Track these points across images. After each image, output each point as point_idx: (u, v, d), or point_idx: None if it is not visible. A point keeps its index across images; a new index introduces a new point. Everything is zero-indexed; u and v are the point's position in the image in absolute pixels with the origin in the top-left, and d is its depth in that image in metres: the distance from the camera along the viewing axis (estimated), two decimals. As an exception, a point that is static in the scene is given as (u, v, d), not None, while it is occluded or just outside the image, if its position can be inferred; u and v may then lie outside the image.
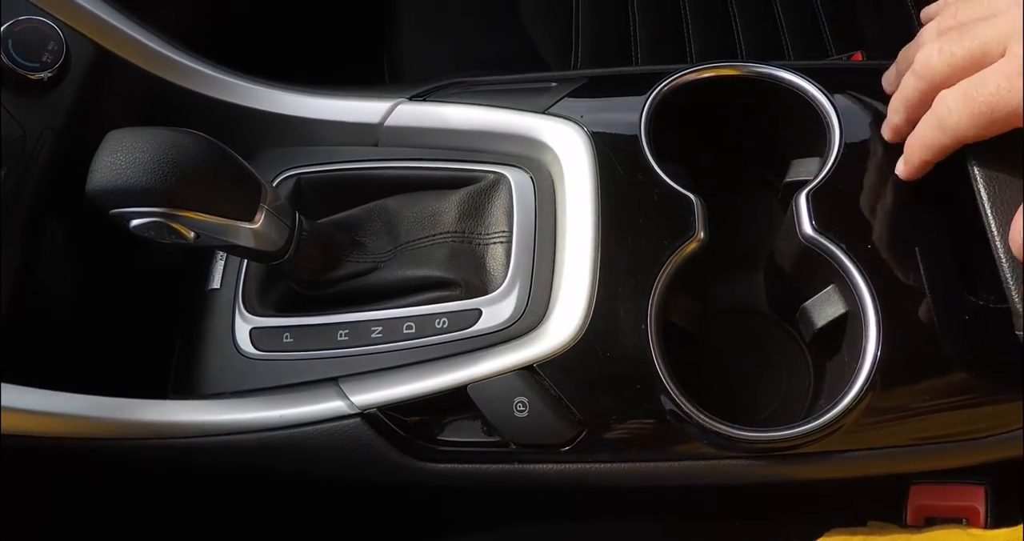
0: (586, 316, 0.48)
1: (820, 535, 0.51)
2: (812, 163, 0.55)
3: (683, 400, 0.46)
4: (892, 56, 0.55)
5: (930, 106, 0.46)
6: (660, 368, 0.47)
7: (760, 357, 0.56)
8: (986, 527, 0.54)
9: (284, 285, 0.55)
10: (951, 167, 0.53)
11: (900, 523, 0.55)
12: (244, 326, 0.53)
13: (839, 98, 0.55)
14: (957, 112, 0.44)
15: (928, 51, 0.46)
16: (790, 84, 0.55)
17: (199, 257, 0.57)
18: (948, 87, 0.45)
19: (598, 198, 0.51)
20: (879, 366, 0.47)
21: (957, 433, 0.49)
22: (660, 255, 0.50)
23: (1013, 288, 0.45)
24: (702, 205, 0.51)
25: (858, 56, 0.70)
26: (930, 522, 0.54)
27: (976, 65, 0.44)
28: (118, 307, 0.56)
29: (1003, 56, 0.43)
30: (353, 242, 0.54)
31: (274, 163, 0.58)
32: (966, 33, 0.45)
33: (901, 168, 0.51)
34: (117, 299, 0.57)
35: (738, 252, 0.58)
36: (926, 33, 0.49)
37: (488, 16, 0.78)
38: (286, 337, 0.52)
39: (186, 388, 0.53)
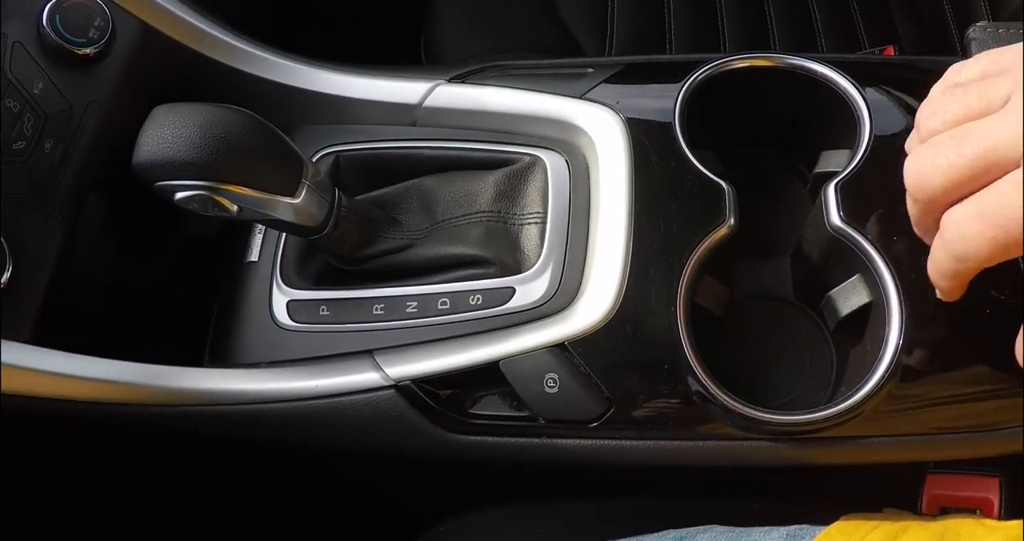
0: (617, 297, 0.50)
1: (835, 518, 0.52)
2: (842, 155, 0.56)
3: (709, 381, 0.48)
4: (925, 51, 0.56)
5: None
6: (688, 350, 0.48)
7: (784, 343, 0.58)
8: (1000, 518, 0.55)
9: (321, 259, 0.56)
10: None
11: (915, 511, 0.56)
12: (281, 298, 0.54)
13: (870, 92, 0.56)
14: (974, 240, 0.36)
15: (919, 160, 0.38)
16: (822, 77, 0.56)
17: (237, 230, 0.58)
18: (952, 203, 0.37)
19: (632, 182, 0.52)
20: (901, 355, 0.48)
21: (975, 424, 0.50)
22: (691, 239, 0.51)
23: None
24: (733, 192, 0.52)
25: (890, 50, 0.70)
26: (944, 511, 0.56)
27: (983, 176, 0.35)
28: (156, 279, 0.58)
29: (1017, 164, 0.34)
30: (390, 219, 0.56)
31: (313, 140, 0.59)
32: (966, 137, 0.36)
33: (938, 293, 0.43)
34: (155, 271, 0.59)
35: (766, 240, 0.59)
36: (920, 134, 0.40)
37: (525, 4, 0.78)
38: (322, 310, 0.53)
39: (222, 358, 0.55)
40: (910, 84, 0.56)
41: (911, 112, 0.55)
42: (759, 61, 0.56)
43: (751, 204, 0.56)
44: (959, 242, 0.36)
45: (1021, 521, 0.50)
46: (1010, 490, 0.55)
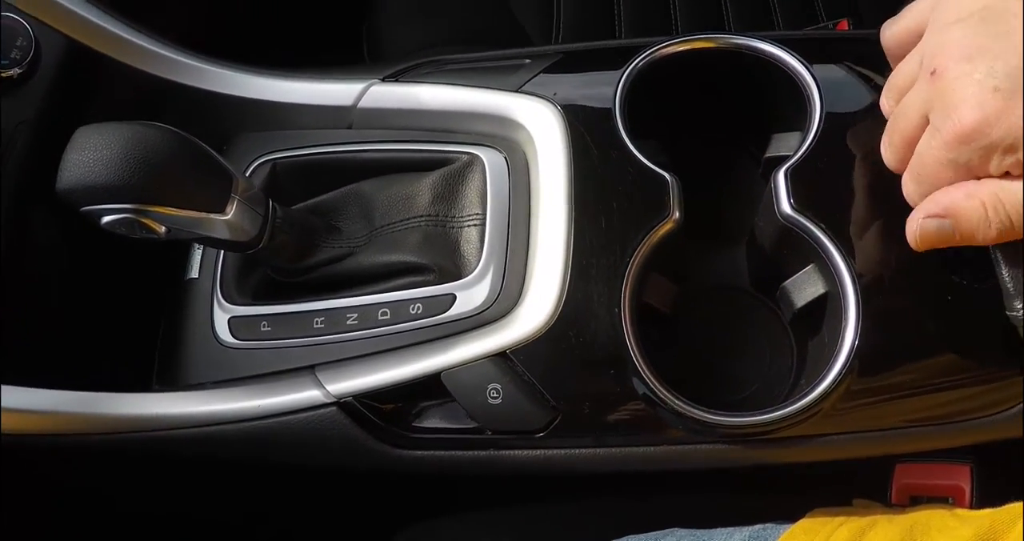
0: (559, 300, 0.48)
1: (803, 513, 0.51)
2: (794, 138, 0.53)
3: (657, 384, 0.46)
4: (882, 22, 0.53)
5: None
6: (634, 352, 0.46)
7: (743, 335, 0.56)
8: (971, 506, 0.53)
9: (262, 272, 0.55)
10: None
11: (885, 501, 0.54)
12: (223, 315, 0.53)
13: (820, 70, 0.53)
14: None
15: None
16: (769, 55, 0.54)
17: (179, 245, 0.56)
18: None
19: (571, 178, 0.50)
20: (858, 350, 0.46)
21: (940, 416, 0.49)
22: (634, 236, 0.49)
23: (1005, 271, 0.44)
24: (677, 184, 0.50)
25: (844, 24, 0.67)
26: (915, 501, 0.54)
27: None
28: (101, 298, 0.57)
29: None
30: (329, 227, 0.54)
31: (250, 148, 0.58)
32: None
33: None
34: (100, 290, 0.57)
35: (721, 227, 0.57)
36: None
37: None
38: (264, 325, 0.52)
39: (170, 379, 0.54)
40: (863, 60, 0.54)
41: (864, 90, 0.52)
42: (701, 43, 0.54)
43: (704, 191, 0.54)
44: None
45: (993, 510, 0.48)
46: (982, 477, 0.54)
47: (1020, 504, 0.48)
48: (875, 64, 0.54)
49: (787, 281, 0.51)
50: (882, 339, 0.47)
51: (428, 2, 0.76)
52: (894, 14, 0.52)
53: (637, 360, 0.46)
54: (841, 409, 0.47)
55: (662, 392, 0.46)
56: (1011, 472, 0.54)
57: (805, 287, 0.50)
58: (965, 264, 0.50)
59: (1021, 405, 0.49)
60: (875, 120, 0.51)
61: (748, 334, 0.55)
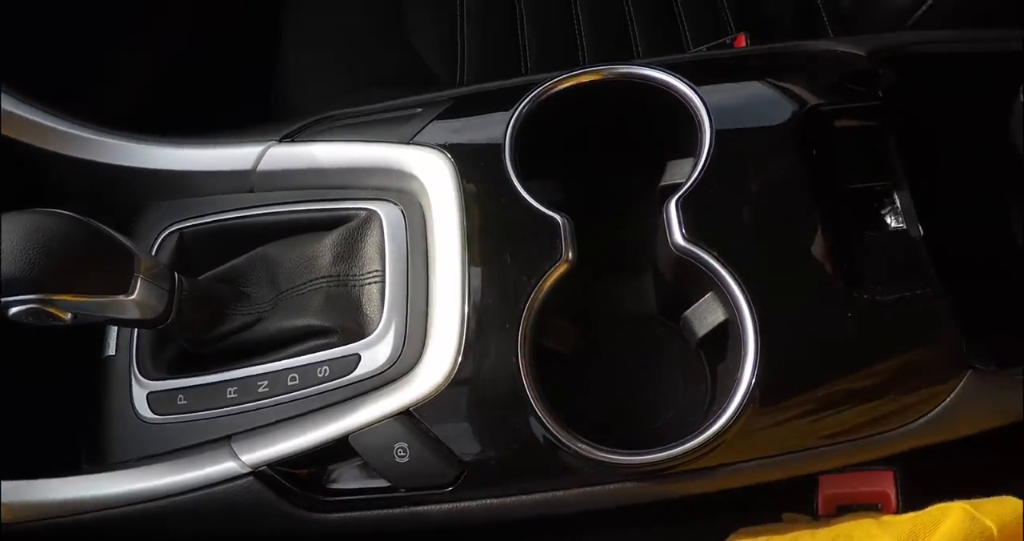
0: (457, 353, 0.48)
1: (727, 535, 0.51)
2: (687, 165, 0.53)
3: (557, 430, 0.46)
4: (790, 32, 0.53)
5: None
6: (532, 399, 0.47)
7: (656, 363, 0.56)
8: (898, 511, 0.53)
9: (176, 344, 0.55)
10: (831, 158, 0.51)
11: (812, 513, 0.54)
12: (141, 391, 0.53)
13: (709, 93, 0.53)
14: None
15: None
16: (656, 82, 0.53)
17: (96, 324, 0.57)
18: None
19: (463, 228, 0.50)
20: (758, 377, 0.46)
21: (854, 432, 0.49)
22: (527, 282, 0.49)
23: None
24: (570, 225, 0.50)
25: (741, 39, 0.66)
26: (844, 510, 0.54)
27: None
28: (22, 385, 0.57)
29: None
30: (237, 294, 0.54)
31: (159, 218, 0.58)
32: None
33: None
34: (20, 377, 0.58)
35: (626, 258, 0.57)
36: None
37: (372, 34, 0.76)
38: (180, 399, 0.52)
39: (97, 458, 0.54)
40: (756, 78, 0.54)
41: (755, 110, 0.52)
42: (586, 77, 0.54)
43: (606, 222, 0.54)
44: None
45: (916, 513, 0.48)
46: (906, 480, 0.53)
47: (943, 506, 0.48)
48: (767, 81, 0.53)
49: (688, 310, 0.51)
50: (784, 364, 0.47)
51: (333, 53, 0.76)
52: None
53: (537, 407, 0.46)
54: (748, 436, 0.47)
55: (563, 436, 0.46)
56: (936, 472, 0.54)
57: (706, 315, 0.50)
58: (869, 279, 0.50)
59: (935, 412, 0.49)
60: (767, 140, 0.51)
61: (661, 362, 0.55)
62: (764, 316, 0.47)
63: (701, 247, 0.48)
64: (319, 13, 0.77)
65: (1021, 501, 0.52)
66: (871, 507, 0.54)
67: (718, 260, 0.48)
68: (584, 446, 0.46)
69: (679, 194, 0.50)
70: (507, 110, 0.54)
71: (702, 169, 0.50)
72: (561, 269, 0.49)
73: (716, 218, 0.49)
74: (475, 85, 0.56)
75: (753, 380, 0.46)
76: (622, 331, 0.56)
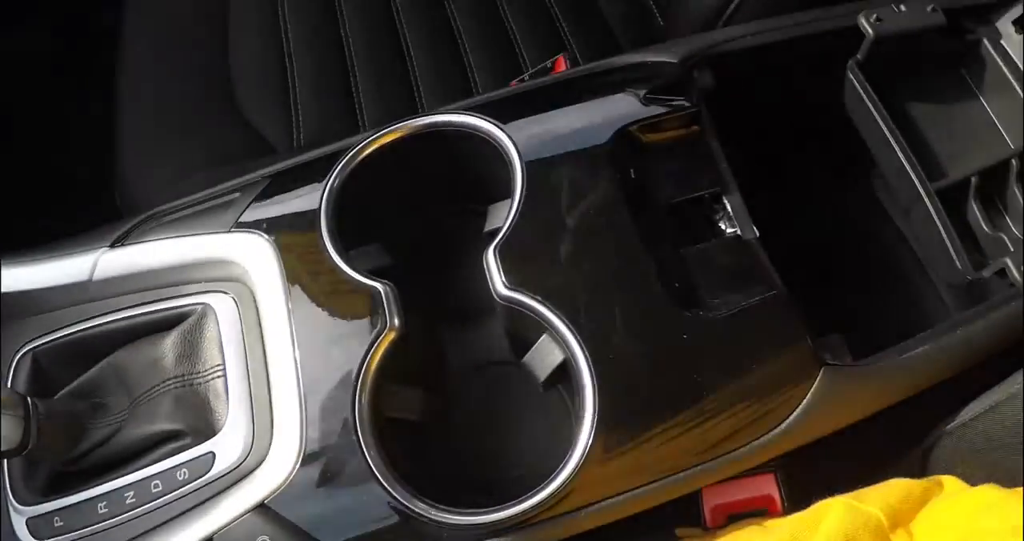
0: (302, 439, 0.48)
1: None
2: (506, 207, 0.53)
3: (410, 501, 0.46)
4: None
5: None
6: (381, 474, 0.47)
7: (515, 408, 0.56)
8: (784, 512, 0.53)
9: (47, 465, 0.55)
10: (651, 174, 0.50)
11: (701, 526, 0.54)
12: (19, 519, 0.53)
13: (517, 130, 0.53)
14: None
15: None
16: (461, 126, 0.53)
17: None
18: None
19: (290, 311, 0.50)
20: (601, 414, 0.47)
21: (716, 447, 0.49)
22: (357, 356, 0.49)
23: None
24: (392, 292, 0.50)
25: (560, 61, 0.66)
26: (734, 518, 0.54)
27: None
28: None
29: None
30: (94, 407, 0.55)
31: (14, 339, 0.58)
32: None
33: None
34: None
35: (471, 306, 0.57)
36: None
37: (208, 113, 0.75)
38: (56, 521, 0.53)
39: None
40: (566, 104, 0.53)
41: (565, 142, 0.52)
42: (389, 135, 0.54)
43: (445, 272, 0.53)
44: None
45: (799, 514, 0.48)
46: (789, 480, 0.54)
47: (824, 503, 0.48)
48: (579, 105, 0.53)
49: (527, 354, 0.51)
50: (625, 396, 0.47)
51: (169, 137, 0.75)
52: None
53: (385, 482, 0.46)
54: (605, 472, 0.47)
55: (416, 507, 0.46)
56: (823, 469, 0.54)
57: (544, 357, 0.50)
58: (702, 294, 0.50)
59: (796, 414, 0.49)
60: (581, 169, 0.50)
61: (520, 407, 0.56)
62: (597, 352, 0.47)
63: (523, 293, 0.48)
64: (153, 99, 0.77)
65: (907, 480, 0.52)
66: (759, 513, 0.54)
67: (542, 304, 0.48)
68: (439, 513, 0.46)
69: (496, 241, 0.49)
70: (320, 181, 0.53)
71: (516, 211, 0.50)
72: (389, 337, 0.49)
73: (536, 260, 0.49)
74: (288, 159, 0.56)
75: (595, 419, 0.46)
76: (479, 379, 0.56)
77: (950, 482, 0.53)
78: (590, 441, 0.46)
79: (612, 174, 0.51)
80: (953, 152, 0.61)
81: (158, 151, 0.73)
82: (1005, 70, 0.62)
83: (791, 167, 0.73)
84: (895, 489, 0.52)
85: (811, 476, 0.54)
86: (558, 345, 0.49)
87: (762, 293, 0.50)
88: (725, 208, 0.53)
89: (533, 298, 0.48)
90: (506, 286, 0.48)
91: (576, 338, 0.47)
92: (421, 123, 0.53)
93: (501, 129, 0.52)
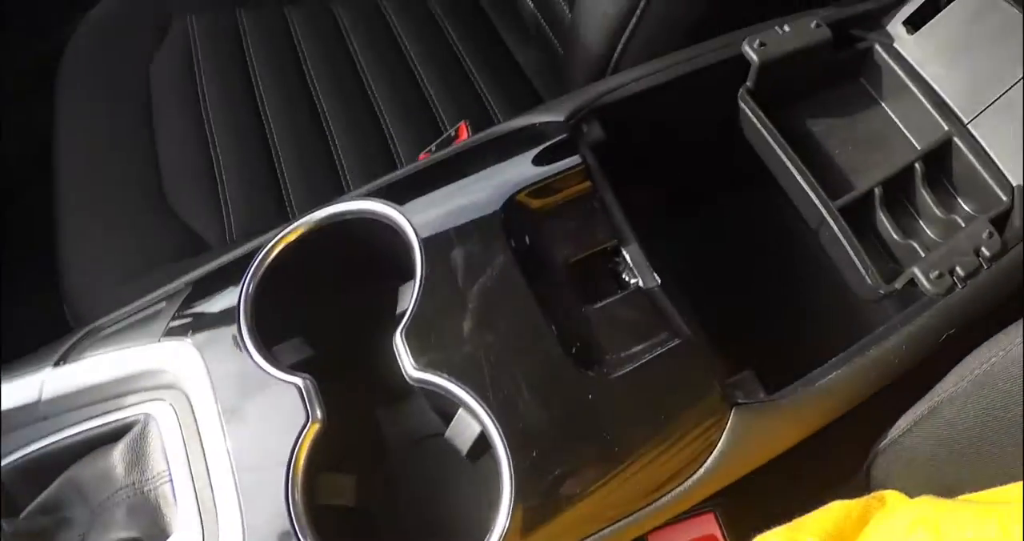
0: (244, 536, 0.50)
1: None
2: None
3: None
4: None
5: None
6: (318, 566, 0.48)
7: (454, 478, 0.57)
8: (729, 548, 0.54)
9: (24, 582, 0.58)
10: (546, 237, 0.51)
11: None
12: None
13: (414, 210, 0.54)
14: None
15: None
16: (360, 214, 0.55)
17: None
18: None
19: (220, 414, 0.52)
20: (519, 483, 0.48)
21: (644, 497, 0.50)
22: (283, 452, 0.50)
23: None
24: (312, 385, 0.51)
25: (463, 127, 0.67)
26: (683, 561, 0.55)
27: None
28: None
29: None
30: (59, 522, 0.57)
31: (-15, 462, 0.61)
32: None
33: None
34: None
35: (401, 383, 0.58)
36: None
37: (142, 219, 0.78)
38: (33, 633, 0.55)
39: None
40: (460, 177, 0.55)
41: (460, 214, 0.53)
42: (293, 233, 0.56)
43: (369, 351, 0.55)
44: None
45: None
46: (728, 516, 0.54)
47: (761, 537, 0.49)
48: (471, 177, 0.55)
49: (447, 430, 0.52)
50: (541, 463, 0.48)
51: (107, 242, 0.78)
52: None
53: (324, 572, 0.48)
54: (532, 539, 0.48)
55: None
56: (757, 503, 0.55)
57: (463, 430, 0.51)
58: (606, 351, 0.51)
59: (715, 456, 0.50)
60: (475, 243, 0.52)
61: (458, 476, 0.57)
62: (508, 422, 0.48)
63: (432, 373, 0.50)
64: (89, 209, 0.80)
65: (846, 501, 0.52)
66: (707, 552, 0.55)
67: (451, 381, 0.49)
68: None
69: (403, 325, 0.51)
70: (237, 284, 0.55)
71: (418, 292, 0.52)
72: (314, 430, 0.51)
73: (441, 339, 0.50)
74: (211, 262, 0.58)
75: (514, 488, 0.47)
76: (417, 453, 0.58)
77: (892, 497, 0.54)
78: (511, 510, 0.47)
79: (506, 244, 0.52)
80: (859, 164, 0.62)
81: (98, 261, 0.76)
82: (900, 73, 0.62)
83: (711, 199, 0.74)
84: (832, 513, 0.52)
85: (753, 510, 0.55)
86: (474, 419, 0.51)
87: (666, 342, 0.51)
88: (625, 259, 0.54)
89: (442, 377, 0.50)
90: (415, 368, 0.50)
91: (487, 411, 0.48)
92: (321, 216, 0.55)
93: (399, 211, 0.54)
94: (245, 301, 0.54)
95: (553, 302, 0.52)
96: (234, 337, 0.54)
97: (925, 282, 0.53)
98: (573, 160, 0.56)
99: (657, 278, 0.54)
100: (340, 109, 0.84)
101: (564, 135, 0.57)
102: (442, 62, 0.88)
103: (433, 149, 0.68)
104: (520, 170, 0.56)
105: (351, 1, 0.94)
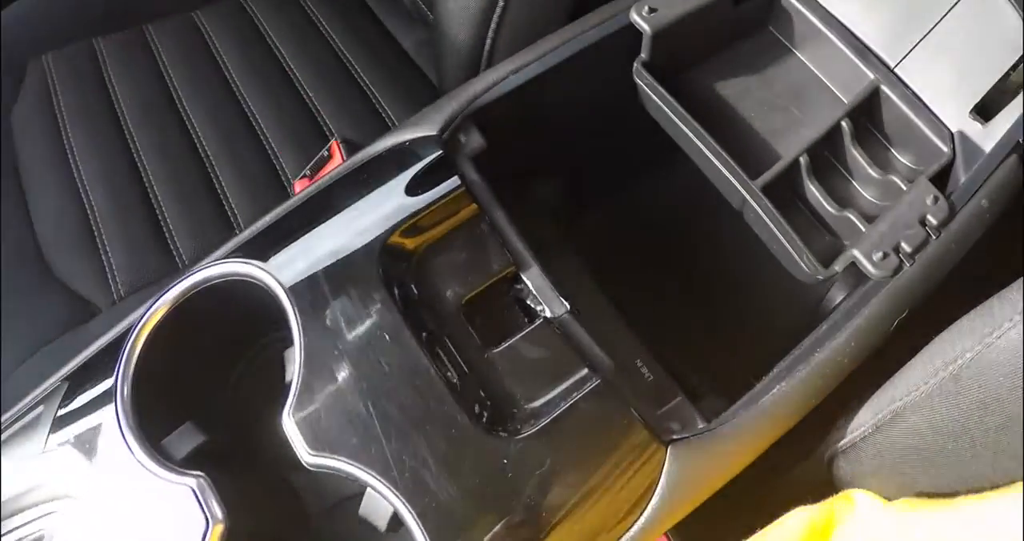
0: None
1: None
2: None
3: None
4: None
5: None
6: None
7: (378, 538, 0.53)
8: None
9: None
10: (435, 280, 0.46)
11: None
12: None
13: (281, 268, 0.49)
14: None
15: None
16: (225, 277, 0.49)
17: None
18: None
19: (117, 523, 0.48)
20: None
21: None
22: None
23: None
24: (207, 483, 0.47)
25: (335, 147, 0.60)
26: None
27: None
28: None
29: None
30: None
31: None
32: None
33: None
34: None
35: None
36: None
37: (24, 291, 0.72)
38: None
39: None
40: (325, 219, 0.49)
41: (332, 268, 0.48)
42: (160, 311, 0.50)
43: (270, 420, 0.50)
44: None
45: None
46: (681, 536, 0.50)
47: None
48: (339, 216, 0.49)
49: (360, 509, 0.47)
50: (461, 537, 0.43)
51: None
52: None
53: None
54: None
55: None
56: (718, 525, 0.51)
57: (376, 509, 0.47)
58: (516, 404, 0.46)
59: (657, 496, 0.46)
60: (355, 300, 0.46)
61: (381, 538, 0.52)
62: (419, 502, 0.44)
63: (329, 457, 0.45)
64: None
65: (806, 509, 0.48)
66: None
67: (351, 465, 0.44)
68: None
69: (287, 405, 0.46)
70: (111, 376, 0.50)
71: (300, 364, 0.46)
72: (217, 532, 0.46)
73: (332, 417, 0.45)
74: (87, 350, 0.53)
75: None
76: (338, 518, 0.54)
77: (864, 500, 0.49)
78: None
79: (387, 297, 0.47)
80: (781, 126, 0.55)
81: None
82: (812, 18, 0.55)
83: (630, 183, 0.67)
84: (791, 527, 0.48)
85: (711, 529, 0.50)
86: (381, 495, 0.46)
87: (583, 384, 0.45)
88: (526, 286, 0.48)
89: (340, 460, 0.44)
90: (310, 453, 0.45)
91: (394, 493, 0.44)
92: (178, 292, 0.49)
93: (262, 269, 0.48)
94: (122, 397, 0.49)
95: (451, 354, 0.47)
96: (115, 443, 0.49)
97: (868, 265, 0.46)
98: (451, 183, 0.49)
99: (566, 303, 0.48)
100: (218, 136, 0.76)
101: (438, 152, 0.50)
102: (324, 65, 0.80)
103: (308, 173, 0.61)
104: (393, 203, 0.49)
105: (216, 12, 0.85)
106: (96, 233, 0.73)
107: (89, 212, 0.74)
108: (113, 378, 0.50)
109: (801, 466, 0.57)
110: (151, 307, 0.50)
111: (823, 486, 0.53)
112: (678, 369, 0.56)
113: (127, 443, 0.49)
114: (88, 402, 0.51)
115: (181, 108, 0.79)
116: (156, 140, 0.76)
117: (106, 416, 0.50)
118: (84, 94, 0.79)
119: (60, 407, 0.52)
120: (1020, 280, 0.39)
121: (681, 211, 0.70)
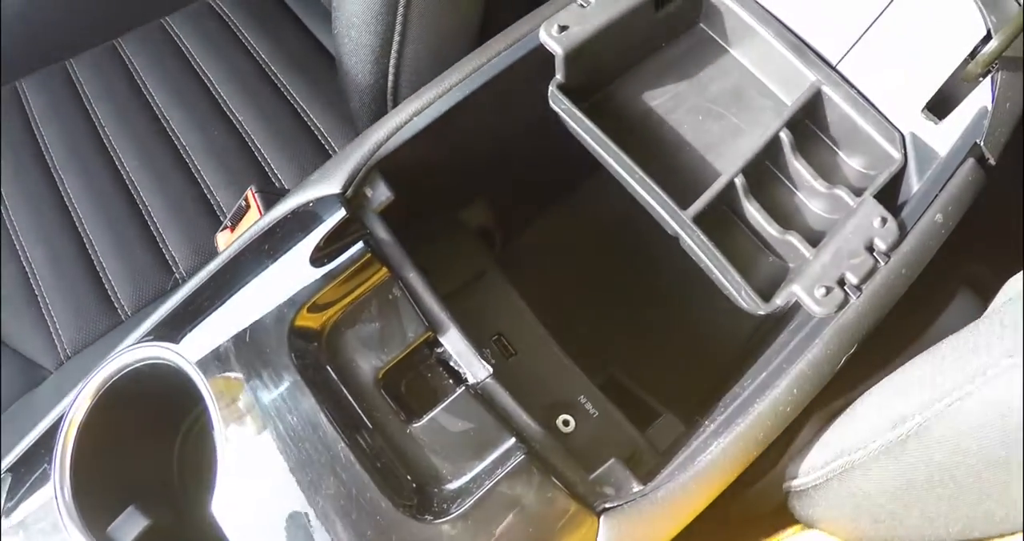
0: None
1: None
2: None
3: None
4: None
5: None
6: None
7: None
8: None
9: None
10: (350, 355, 0.45)
11: None
12: None
13: (194, 348, 0.47)
14: None
15: None
16: (139, 363, 0.48)
17: None
18: None
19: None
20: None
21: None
22: None
23: None
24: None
25: (251, 197, 0.56)
26: None
27: None
28: None
29: None
30: None
31: None
32: None
33: None
34: None
35: None
36: None
37: None
38: None
39: None
40: (233, 293, 0.47)
41: (245, 347, 0.46)
42: (86, 402, 0.49)
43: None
44: None
45: None
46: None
47: None
48: (249, 288, 0.47)
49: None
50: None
51: None
52: None
53: None
54: None
55: None
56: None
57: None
58: (442, 484, 0.44)
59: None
60: (264, 389, 0.45)
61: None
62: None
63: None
64: None
65: None
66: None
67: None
68: None
69: (212, 499, 0.45)
70: (50, 464, 0.50)
71: (221, 456, 0.45)
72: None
73: (257, 510, 0.44)
74: (19, 446, 0.52)
75: None
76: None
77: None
78: None
79: (300, 380, 0.44)
80: (717, 136, 0.50)
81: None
82: (745, 16, 0.49)
83: (562, 203, 0.63)
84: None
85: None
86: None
87: (508, 457, 0.43)
88: (446, 351, 0.46)
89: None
90: (242, 544, 0.44)
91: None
92: (99, 382, 0.48)
93: (174, 351, 0.46)
94: (62, 493, 0.49)
95: (372, 433, 0.45)
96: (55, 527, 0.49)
97: (810, 303, 0.43)
98: (356, 250, 0.46)
99: (488, 367, 0.46)
100: (150, 176, 0.73)
101: (341, 215, 0.47)
102: (253, 86, 0.75)
103: (228, 224, 0.59)
104: (298, 275, 0.47)
105: (138, 40, 0.81)
106: (36, 292, 0.72)
107: (27, 270, 0.72)
108: (52, 469, 0.49)
109: (766, 479, 0.54)
110: (75, 398, 0.49)
111: (784, 505, 0.50)
112: (628, 396, 0.53)
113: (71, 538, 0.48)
114: (31, 496, 0.51)
115: (109, 146, 0.76)
116: (86, 183, 0.74)
117: (50, 510, 0.50)
118: (11, 141, 0.77)
119: (7, 500, 0.51)
120: (968, 330, 0.34)
121: (623, 225, 0.66)
